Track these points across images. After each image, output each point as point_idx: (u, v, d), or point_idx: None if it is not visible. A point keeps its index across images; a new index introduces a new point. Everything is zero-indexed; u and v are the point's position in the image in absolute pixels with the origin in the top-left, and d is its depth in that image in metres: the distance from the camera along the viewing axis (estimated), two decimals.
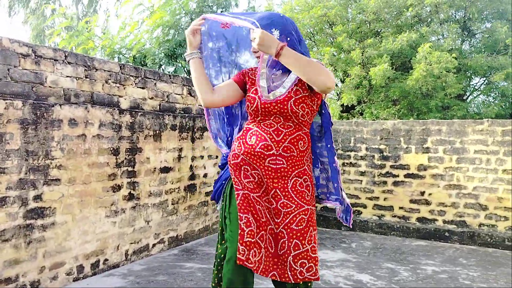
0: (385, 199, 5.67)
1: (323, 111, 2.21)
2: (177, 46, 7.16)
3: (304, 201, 2.09)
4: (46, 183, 3.18)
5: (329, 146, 2.19)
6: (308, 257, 2.05)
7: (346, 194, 5.90)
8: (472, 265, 4.29)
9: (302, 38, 2.14)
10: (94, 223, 3.59)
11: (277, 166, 2.07)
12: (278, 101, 2.04)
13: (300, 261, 2.04)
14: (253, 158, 2.09)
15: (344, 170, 5.93)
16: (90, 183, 3.54)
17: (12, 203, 2.96)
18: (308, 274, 2.04)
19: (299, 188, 2.09)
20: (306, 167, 2.13)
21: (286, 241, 2.04)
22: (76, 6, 16.24)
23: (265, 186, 2.10)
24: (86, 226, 3.51)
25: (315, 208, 2.19)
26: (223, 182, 2.26)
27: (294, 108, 2.04)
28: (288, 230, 2.05)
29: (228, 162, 2.18)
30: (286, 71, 2.10)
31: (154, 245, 4.27)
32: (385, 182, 5.67)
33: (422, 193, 5.45)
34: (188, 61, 2.18)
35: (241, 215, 2.05)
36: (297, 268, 2.04)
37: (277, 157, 2.06)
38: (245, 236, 2.01)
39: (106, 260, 3.72)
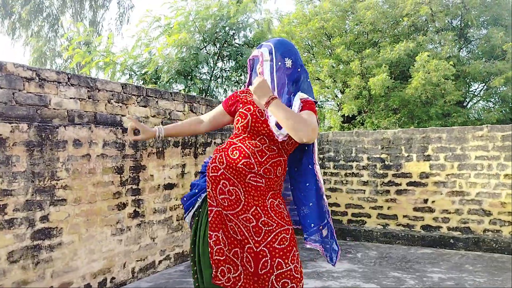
0: (388, 208, 5.69)
1: (306, 147, 2.17)
2: (194, 67, 7.23)
3: (284, 220, 2.07)
4: (52, 203, 3.22)
5: (307, 184, 2.15)
6: (291, 277, 2.01)
7: (350, 204, 5.92)
8: (478, 271, 4.29)
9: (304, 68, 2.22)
10: (100, 242, 3.63)
11: (257, 184, 2.08)
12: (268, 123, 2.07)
13: (282, 280, 2.00)
14: (234, 173, 2.09)
15: (346, 181, 5.96)
16: (96, 202, 3.58)
17: (20, 225, 3.00)
18: None
19: (277, 208, 2.09)
20: (279, 192, 2.16)
21: (269, 260, 2.01)
22: (78, 29, 16.52)
23: (244, 203, 2.08)
24: (92, 245, 3.55)
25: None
26: (197, 196, 2.22)
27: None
28: (271, 248, 2.02)
29: (207, 174, 2.15)
30: (280, 93, 2.11)
31: (160, 261, 4.30)
32: (388, 191, 5.69)
33: (426, 201, 5.47)
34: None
35: (211, 233, 2.08)
36: (277, 286, 2.00)
37: (257, 176, 2.08)
38: (214, 254, 2.06)
39: (113, 278, 3.75)
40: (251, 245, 2.05)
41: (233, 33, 7.84)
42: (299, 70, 2.11)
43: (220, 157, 2.12)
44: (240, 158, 2.08)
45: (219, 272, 2.05)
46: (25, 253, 3.04)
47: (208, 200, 2.13)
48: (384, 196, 5.71)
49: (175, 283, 3.92)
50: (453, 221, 5.30)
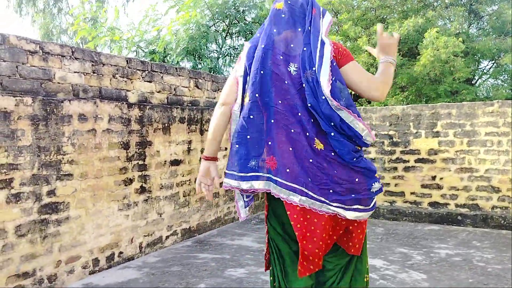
0: (396, 185, 5.65)
1: None
2: (204, 45, 7.13)
3: None
4: (58, 178, 3.21)
5: None
6: None
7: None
8: (486, 248, 4.27)
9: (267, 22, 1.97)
10: (108, 217, 3.63)
11: None
12: None
13: None
14: None
15: None
16: (102, 177, 3.57)
17: (27, 199, 3.00)
18: None
19: None
20: None
21: None
22: (83, 4, 16.36)
23: None
24: (99, 219, 3.55)
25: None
26: None
27: None
28: None
29: None
30: None
31: (167, 237, 4.31)
32: (395, 168, 5.65)
33: (434, 178, 5.42)
34: None
35: None
36: None
37: None
38: None
39: (120, 253, 3.77)
40: None
41: (243, 10, 7.71)
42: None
43: None
44: None
45: None
46: (33, 227, 3.04)
47: None
48: (391, 173, 5.67)
49: (182, 258, 3.93)
50: (461, 198, 5.26)
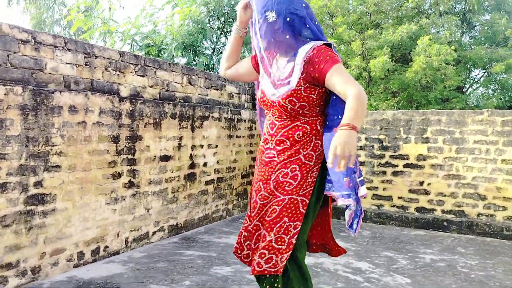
0: (384, 189, 5.69)
1: (331, 101, 1.97)
2: (200, 41, 7.14)
3: (282, 191, 1.96)
4: (46, 169, 3.18)
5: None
6: (270, 248, 1.88)
7: None
8: (471, 254, 4.31)
9: (313, 17, 1.95)
10: (95, 210, 3.60)
11: (268, 159, 2.04)
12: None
13: (260, 251, 1.91)
14: (260, 152, 2.15)
15: None
16: (90, 170, 3.54)
17: (13, 189, 2.96)
18: (266, 266, 1.88)
19: (281, 179, 1.96)
20: (302, 156, 1.96)
21: (262, 232, 2.00)
22: None
23: (255, 181, 2.13)
24: (86, 213, 3.52)
25: (304, 198, 1.95)
26: None
27: (282, 102, 1.93)
28: (264, 221, 2.00)
29: None
30: (285, 53, 1.95)
31: (154, 233, 4.29)
32: (384, 172, 5.68)
33: (421, 183, 5.47)
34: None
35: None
36: (256, 259, 1.92)
37: (271, 151, 2.03)
38: (241, 232, 2.19)
39: (106, 247, 3.74)
40: (255, 221, 2.09)
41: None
42: (288, 20, 1.86)
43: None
44: (262, 136, 2.14)
45: (244, 246, 2.16)
46: (18, 218, 3.01)
47: None
48: (380, 177, 5.71)
49: (168, 254, 3.92)
50: (448, 204, 5.31)
